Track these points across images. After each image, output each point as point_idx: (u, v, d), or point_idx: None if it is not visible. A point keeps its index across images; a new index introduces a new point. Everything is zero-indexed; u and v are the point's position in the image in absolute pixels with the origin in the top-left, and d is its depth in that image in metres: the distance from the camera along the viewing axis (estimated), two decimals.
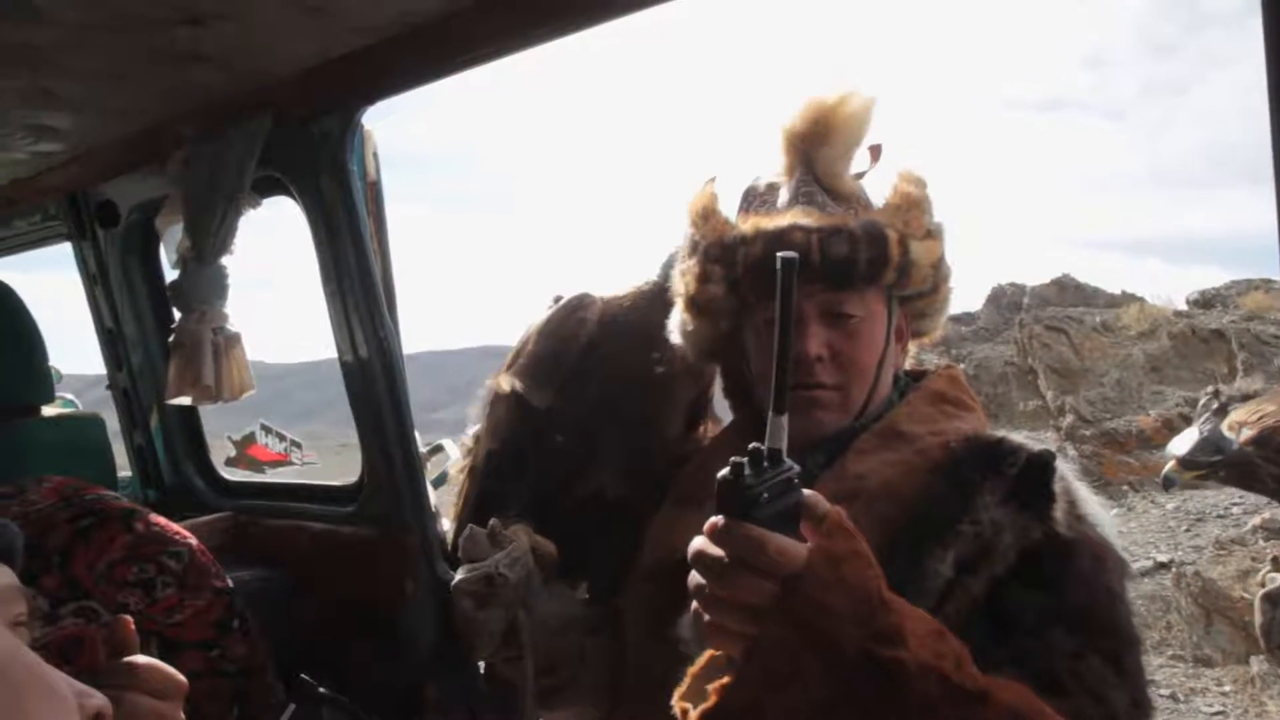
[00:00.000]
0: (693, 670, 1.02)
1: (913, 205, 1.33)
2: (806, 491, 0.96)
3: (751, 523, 0.91)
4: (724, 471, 0.92)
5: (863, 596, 0.93)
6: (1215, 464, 4.21)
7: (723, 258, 1.35)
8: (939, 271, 1.35)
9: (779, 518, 0.92)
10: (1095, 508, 1.21)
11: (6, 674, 0.80)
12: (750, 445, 0.92)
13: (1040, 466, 1.19)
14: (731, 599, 0.92)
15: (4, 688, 0.79)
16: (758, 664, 0.92)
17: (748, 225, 1.33)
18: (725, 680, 0.94)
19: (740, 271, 1.34)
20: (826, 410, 1.33)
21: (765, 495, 0.91)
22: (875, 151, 1.38)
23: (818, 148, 1.34)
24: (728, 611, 0.93)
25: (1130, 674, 1.10)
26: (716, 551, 0.92)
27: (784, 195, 1.34)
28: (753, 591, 0.91)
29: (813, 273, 1.25)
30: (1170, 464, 4.30)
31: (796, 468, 0.94)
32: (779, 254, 0.96)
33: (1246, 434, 4.08)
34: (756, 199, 1.38)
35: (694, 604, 0.96)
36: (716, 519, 0.92)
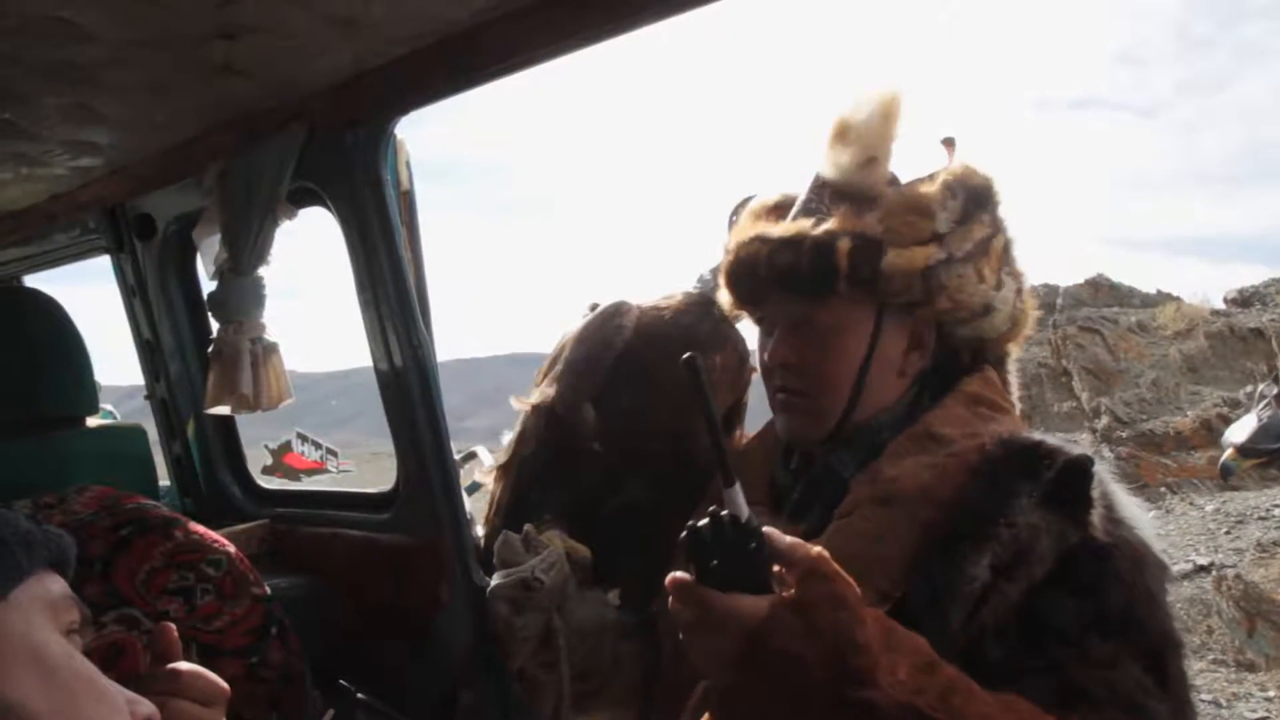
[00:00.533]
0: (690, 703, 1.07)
1: (909, 209, 1.29)
2: (786, 539, 1.01)
3: (706, 584, 0.99)
4: (684, 534, 1.01)
5: (833, 642, 0.96)
6: (1276, 450, 4.16)
7: (722, 264, 1.44)
8: (931, 280, 1.28)
9: (736, 578, 0.99)
10: (1134, 510, 1.20)
11: (63, 680, 0.82)
12: (710, 509, 1.00)
13: (1079, 471, 1.18)
14: (710, 650, 1.00)
15: (60, 693, 0.81)
16: (727, 713, 1.01)
17: (740, 234, 1.39)
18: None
19: (726, 279, 1.44)
20: (798, 414, 1.37)
21: (715, 561, 0.99)
22: (949, 145, 1.37)
23: (833, 149, 1.33)
24: (701, 660, 1.02)
25: (1172, 679, 1.09)
26: (684, 612, 1.01)
27: (797, 204, 1.37)
28: (710, 647, 0.99)
29: (766, 281, 1.33)
30: (1228, 452, 4.27)
31: (758, 526, 1.01)
32: (683, 356, 1.07)
33: None
34: (787, 205, 1.40)
35: None
36: (674, 576, 1.01)
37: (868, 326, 1.32)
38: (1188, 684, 1.13)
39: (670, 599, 1.03)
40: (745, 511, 1.01)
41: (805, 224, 1.31)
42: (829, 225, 1.29)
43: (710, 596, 0.98)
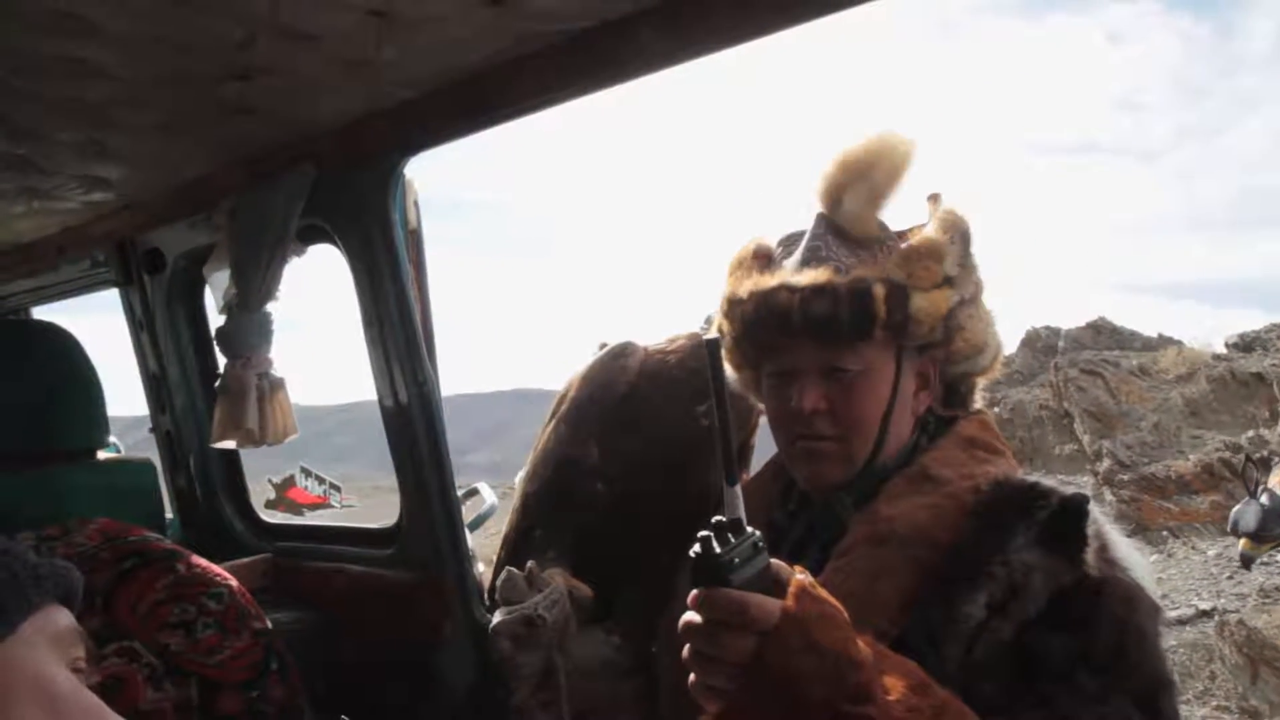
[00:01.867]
0: None
1: (925, 255, 1.32)
2: (771, 560, 1.01)
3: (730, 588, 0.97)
4: (694, 548, 0.98)
5: (832, 658, 0.96)
6: None
7: (729, 314, 1.41)
8: (951, 321, 1.32)
9: (753, 580, 0.98)
10: (1128, 551, 1.21)
11: (70, 714, 0.83)
12: (712, 519, 0.98)
13: (1074, 509, 1.19)
14: (719, 656, 0.98)
15: None
16: None
17: (748, 284, 1.38)
18: None
19: (739, 329, 1.39)
20: (828, 461, 1.35)
21: (736, 560, 0.98)
22: (933, 200, 1.40)
23: (838, 196, 1.35)
24: (714, 670, 0.99)
25: (1165, 716, 1.10)
26: (699, 619, 0.98)
27: (800, 249, 1.37)
28: (734, 648, 0.96)
29: (799, 331, 1.31)
30: (1243, 543, 4.32)
31: (757, 534, 1.00)
32: (705, 337, 1.05)
33: None
34: (783, 250, 1.41)
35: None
36: (696, 591, 0.98)
37: (891, 369, 1.33)
38: None
39: (682, 621, 1.01)
40: (743, 513, 1.01)
41: (828, 272, 1.31)
42: (860, 272, 1.31)
43: (743, 596, 0.96)
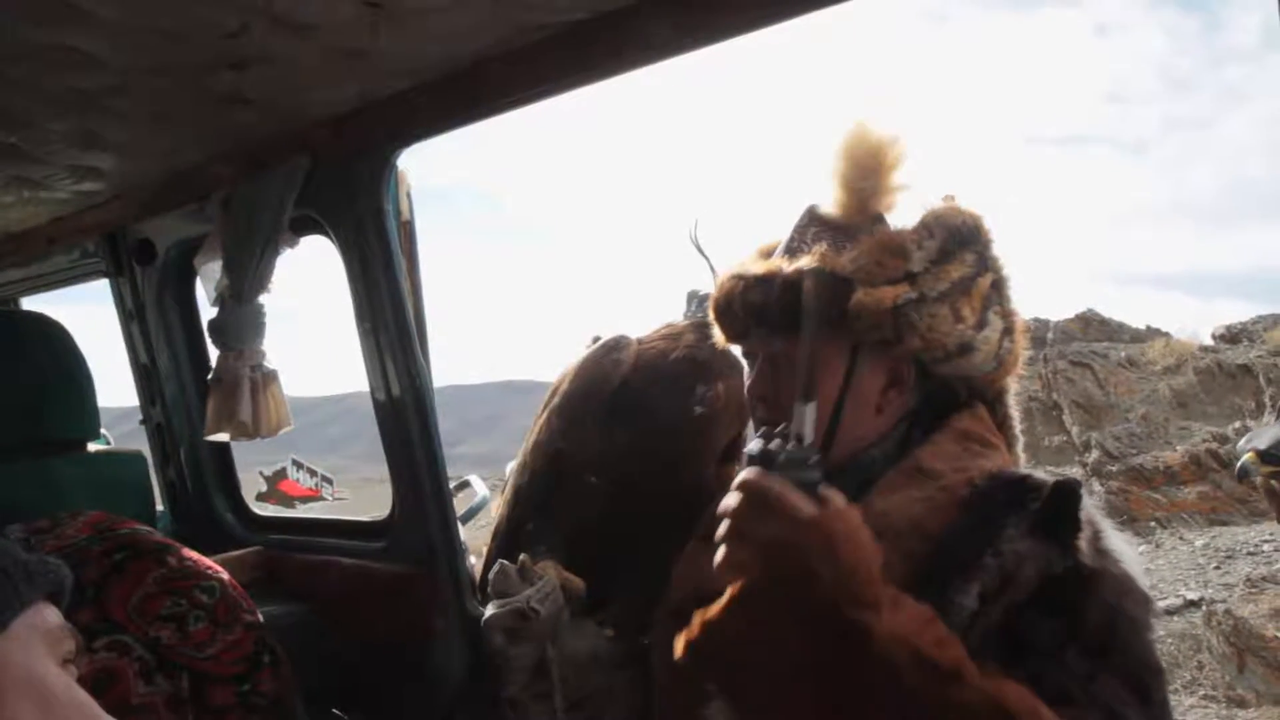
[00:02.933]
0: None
1: (881, 250, 1.31)
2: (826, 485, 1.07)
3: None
4: (754, 444, 1.08)
5: (847, 571, 1.01)
6: None
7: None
8: (900, 319, 1.28)
9: (798, 482, 1.05)
10: (1119, 542, 1.20)
11: (61, 710, 0.83)
12: (780, 425, 1.08)
13: (1066, 494, 1.19)
14: (749, 535, 1.05)
15: None
16: (744, 608, 1.04)
17: (728, 271, 1.42)
18: (712, 612, 1.05)
19: (715, 317, 1.45)
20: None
21: (785, 459, 1.06)
22: (947, 200, 1.39)
23: (833, 185, 1.36)
24: (741, 549, 1.05)
25: (1154, 703, 1.10)
26: (740, 496, 1.06)
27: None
28: (763, 531, 1.03)
29: (740, 318, 1.36)
30: (1247, 455, 4.26)
31: (818, 454, 1.07)
32: (804, 271, 1.22)
33: None
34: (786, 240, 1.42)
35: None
36: (745, 472, 1.07)
37: (841, 364, 1.32)
38: (1169, 712, 1.13)
39: (727, 498, 1.07)
40: (810, 433, 1.07)
41: (780, 262, 1.34)
42: (800, 263, 1.32)
43: (781, 483, 1.04)
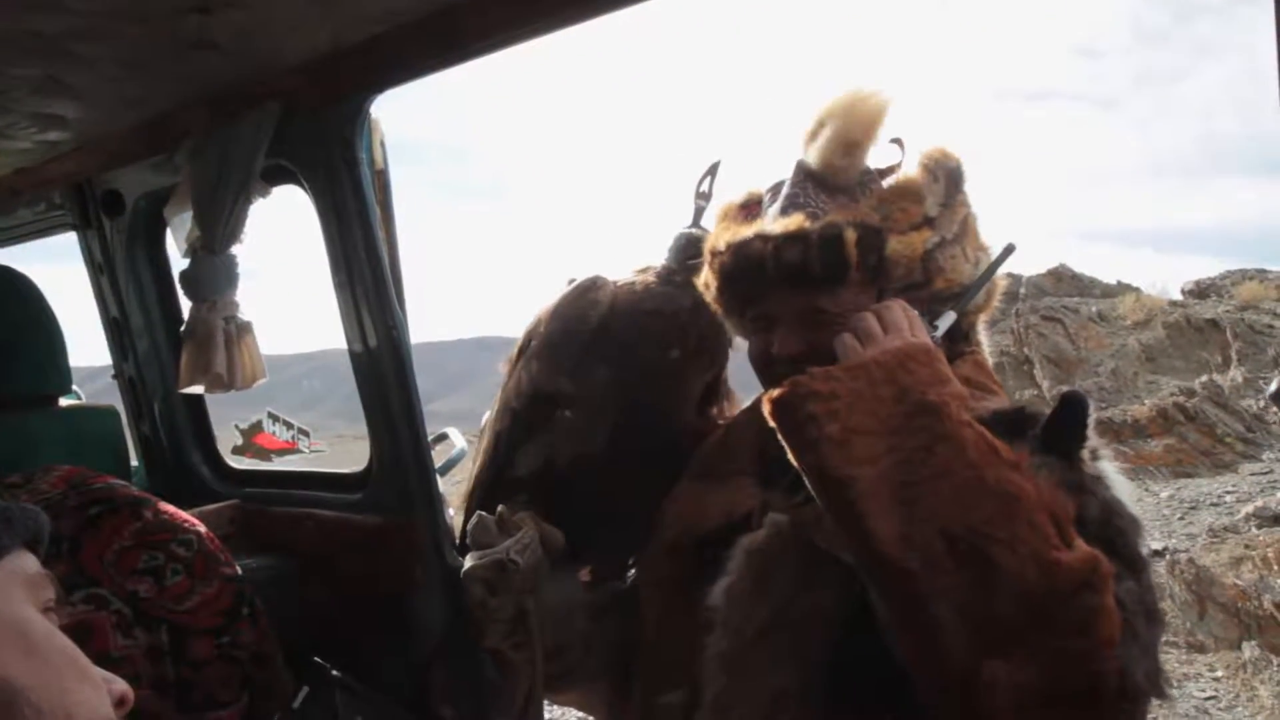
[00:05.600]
0: None
1: (902, 196, 1.34)
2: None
3: None
4: None
5: (944, 376, 1.16)
6: None
7: (711, 265, 1.45)
8: (929, 263, 1.33)
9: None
10: (1113, 473, 1.21)
11: (45, 655, 0.82)
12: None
13: (1074, 402, 1.18)
14: (877, 336, 1.19)
15: (47, 669, 0.81)
16: (864, 372, 1.15)
17: (726, 236, 1.41)
18: (831, 369, 1.16)
19: (720, 280, 1.43)
20: None
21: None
22: (899, 145, 1.40)
23: (815, 144, 1.36)
24: (871, 342, 1.19)
25: (1144, 586, 1.11)
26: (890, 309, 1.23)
27: (780, 197, 1.39)
28: (892, 339, 1.18)
29: (774, 279, 1.34)
30: (1278, 381, 4.50)
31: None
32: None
33: None
34: (770, 198, 1.42)
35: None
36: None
37: None
38: (1156, 598, 1.14)
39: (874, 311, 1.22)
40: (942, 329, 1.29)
41: (801, 219, 1.33)
42: (831, 218, 1.32)
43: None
